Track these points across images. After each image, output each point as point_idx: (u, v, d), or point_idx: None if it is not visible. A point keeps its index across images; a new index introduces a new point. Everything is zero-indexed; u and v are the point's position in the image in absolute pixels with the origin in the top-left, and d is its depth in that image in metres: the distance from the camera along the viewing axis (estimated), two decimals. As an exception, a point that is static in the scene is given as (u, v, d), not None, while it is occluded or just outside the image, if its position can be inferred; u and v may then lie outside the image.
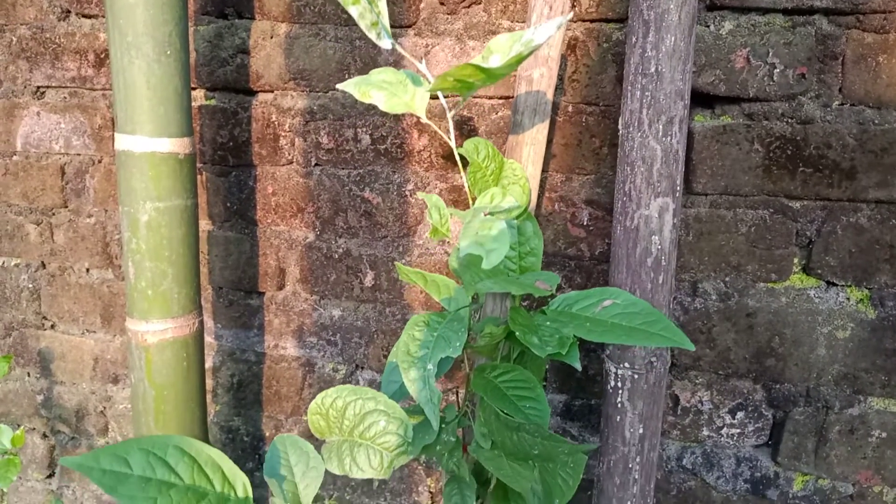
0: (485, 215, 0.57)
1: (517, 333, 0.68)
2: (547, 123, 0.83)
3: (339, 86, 0.71)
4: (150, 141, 1.01)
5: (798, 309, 1.01)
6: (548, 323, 0.71)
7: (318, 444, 0.80)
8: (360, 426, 0.60)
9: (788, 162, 0.98)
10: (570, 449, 0.65)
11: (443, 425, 0.76)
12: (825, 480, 1.05)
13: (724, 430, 1.07)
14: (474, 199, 0.67)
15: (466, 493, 0.79)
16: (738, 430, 1.07)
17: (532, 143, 0.83)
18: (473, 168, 0.70)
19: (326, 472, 1.33)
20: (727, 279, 1.03)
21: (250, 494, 0.53)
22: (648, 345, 0.68)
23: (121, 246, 1.38)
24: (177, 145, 1.04)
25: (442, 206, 0.69)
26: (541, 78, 0.83)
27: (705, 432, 1.08)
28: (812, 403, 1.03)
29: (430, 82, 0.66)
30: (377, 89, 0.65)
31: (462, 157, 0.83)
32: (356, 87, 0.67)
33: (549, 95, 0.84)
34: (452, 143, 0.69)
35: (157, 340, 1.07)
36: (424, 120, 0.70)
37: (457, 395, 0.78)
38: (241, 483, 0.52)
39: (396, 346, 0.76)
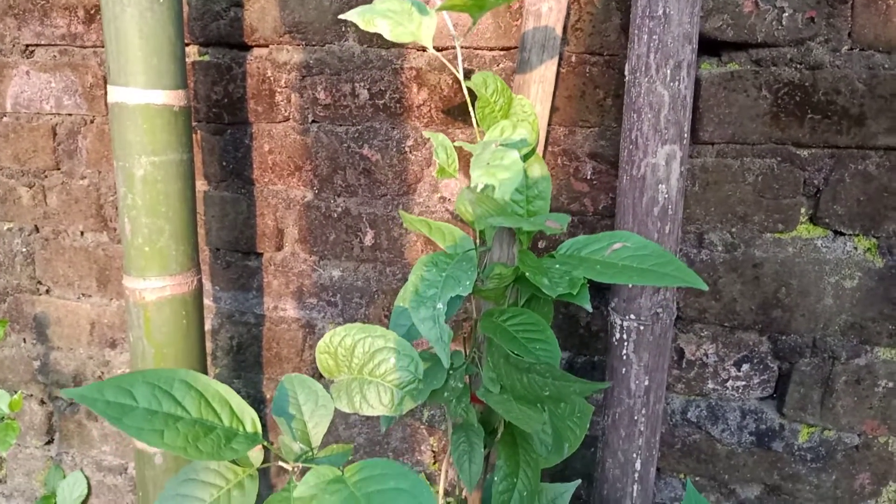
0: (496, 147, 0.56)
1: (527, 274, 0.66)
2: (556, 60, 0.80)
3: (342, 15, 0.68)
4: (143, 93, 0.99)
5: (805, 259, 1.00)
6: (557, 266, 0.70)
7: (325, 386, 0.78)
8: (369, 364, 0.58)
9: (797, 109, 0.96)
10: (582, 388, 0.64)
11: (450, 372, 0.75)
12: (831, 431, 1.05)
13: (730, 383, 1.07)
14: (482, 135, 0.66)
15: (474, 441, 0.78)
16: (744, 383, 1.06)
17: (540, 80, 0.81)
18: (482, 103, 0.68)
19: (328, 431, 1.32)
20: (733, 230, 1.02)
21: (259, 430, 0.51)
22: (660, 284, 0.67)
23: (115, 208, 1.36)
24: (171, 97, 1.01)
25: (449, 145, 0.67)
26: (549, 12, 0.80)
27: (710, 385, 1.08)
28: (818, 354, 1.02)
29: (437, 4, 0.64)
30: (382, 17, 0.63)
31: (470, 93, 0.80)
32: (360, 16, 0.65)
33: (558, 31, 0.81)
34: (460, 74, 0.66)
35: (156, 298, 1.06)
36: (431, 50, 0.68)
37: (464, 343, 0.77)
38: (250, 418, 0.51)
39: (404, 289, 0.75)
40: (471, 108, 0.69)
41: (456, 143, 0.65)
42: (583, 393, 0.64)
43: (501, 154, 0.53)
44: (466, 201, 0.63)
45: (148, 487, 1.13)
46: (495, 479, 0.75)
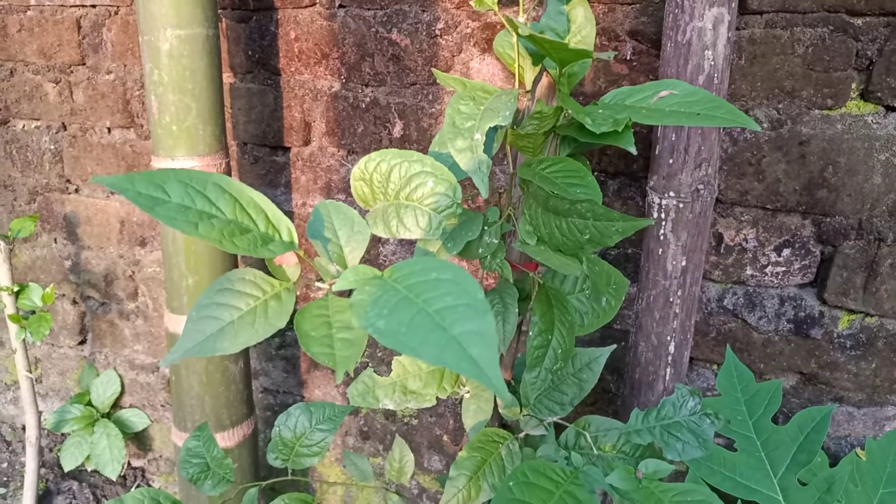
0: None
1: (570, 111, 0.64)
2: None
3: None
4: (168, -39, 0.96)
5: (854, 135, 0.95)
6: (600, 111, 0.67)
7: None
8: (406, 188, 0.56)
9: (853, -28, 0.90)
10: (624, 226, 0.61)
11: (485, 227, 0.73)
12: (872, 318, 1.02)
13: (769, 269, 1.04)
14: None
15: (508, 302, 0.76)
16: (784, 269, 1.03)
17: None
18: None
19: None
20: (780, 106, 0.97)
21: (295, 239, 0.50)
22: (710, 125, 0.64)
23: (142, 103, 1.34)
24: (197, -33, 0.98)
25: (488, -24, 0.64)
26: None
27: (749, 272, 1.05)
28: (864, 236, 0.98)
29: None
30: None
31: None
32: None
33: None
34: None
35: (184, 178, 1.04)
36: None
37: (499, 200, 0.75)
38: (286, 227, 0.50)
39: (440, 134, 0.73)
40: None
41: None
42: (625, 231, 0.62)
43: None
44: (506, 38, 0.60)
45: (180, 370, 1.14)
46: (530, 335, 0.74)
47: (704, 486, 0.62)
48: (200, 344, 0.47)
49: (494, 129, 0.62)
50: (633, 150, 0.64)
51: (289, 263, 0.52)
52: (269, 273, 0.53)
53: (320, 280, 0.54)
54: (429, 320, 0.39)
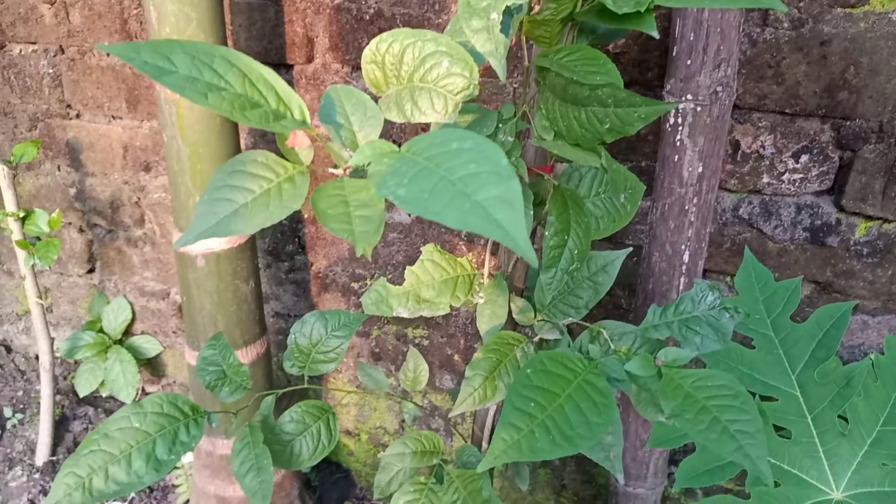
0: None
1: (589, -8, 0.61)
2: None
3: None
4: None
5: (877, 34, 0.92)
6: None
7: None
8: (420, 70, 0.54)
9: None
10: (647, 110, 0.59)
11: (499, 125, 0.71)
12: (891, 224, 1.00)
13: (786, 177, 1.02)
14: None
15: (524, 203, 0.75)
16: (801, 176, 1.01)
17: None
18: None
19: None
20: (801, 4, 0.93)
21: (307, 118, 0.48)
22: (736, 7, 0.61)
23: (140, 22, 1.30)
24: None
25: None
26: None
27: (765, 180, 1.03)
28: (884, 139, 0.96)
29: None
30: None
31: None
32: None
33: None
34: None
35: (187, 92, 1.02)
36: None
37: (513, 95, 0.72)
38: (297, 106, 0.48)
39: (452, 21, 0.70)
40: None
41: None
42: (647, 117, 0.60)
43: None
44: None
45: (191, 290, 1.13)
46: (546, 234, 0.72)
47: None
48: (215, 226, 0.46)
49: (510, 15, 0.59)
50: (655, 34, 0.61)
51: (301, 146, 0.50)
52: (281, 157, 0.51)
53: (334, 167, 0.53)
54: (451, 188, 0.38)
